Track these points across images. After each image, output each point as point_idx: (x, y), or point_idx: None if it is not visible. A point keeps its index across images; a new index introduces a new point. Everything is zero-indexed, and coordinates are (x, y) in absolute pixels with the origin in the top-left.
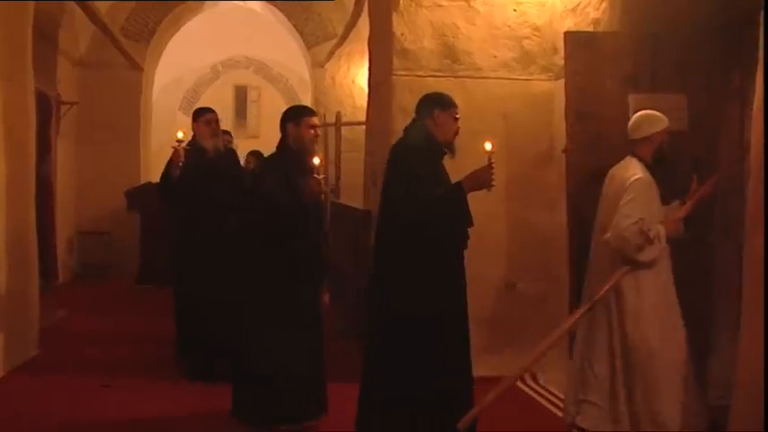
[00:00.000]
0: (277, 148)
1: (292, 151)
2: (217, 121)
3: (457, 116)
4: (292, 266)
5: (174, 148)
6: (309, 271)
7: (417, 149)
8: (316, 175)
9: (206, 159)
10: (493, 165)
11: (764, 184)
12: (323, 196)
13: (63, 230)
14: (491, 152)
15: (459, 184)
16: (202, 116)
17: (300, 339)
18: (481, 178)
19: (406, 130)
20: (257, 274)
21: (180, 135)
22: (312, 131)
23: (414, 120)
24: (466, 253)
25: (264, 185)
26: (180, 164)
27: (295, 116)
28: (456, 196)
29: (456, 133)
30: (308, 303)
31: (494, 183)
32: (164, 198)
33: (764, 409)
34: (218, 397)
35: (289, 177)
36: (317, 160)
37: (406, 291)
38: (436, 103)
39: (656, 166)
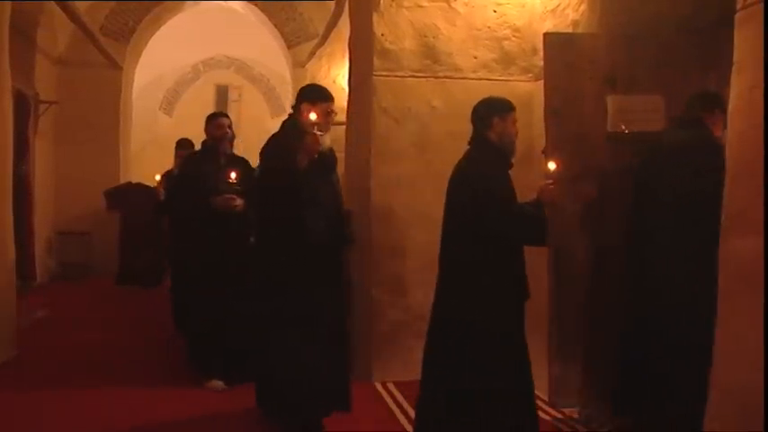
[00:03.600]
0: (474, 145)
1: (498, 150)
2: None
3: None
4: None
5: (312, 133)
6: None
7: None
8: (553, 184)
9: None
10: None
11: (765, 184)
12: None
13: (41, 230)
14: None
15: None
16: (321, 102)
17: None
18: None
19: (684, 123)
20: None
21: (313, 117)
22: (515, 127)
23: (689, 116)
24: None
25: (497, 192)
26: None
27: (502, 109)
28: None
29: None
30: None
31: None
32: (288, 190)
33: (765, 409)
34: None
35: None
36: (552, 165)
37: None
38: (716, 103)
39: None
